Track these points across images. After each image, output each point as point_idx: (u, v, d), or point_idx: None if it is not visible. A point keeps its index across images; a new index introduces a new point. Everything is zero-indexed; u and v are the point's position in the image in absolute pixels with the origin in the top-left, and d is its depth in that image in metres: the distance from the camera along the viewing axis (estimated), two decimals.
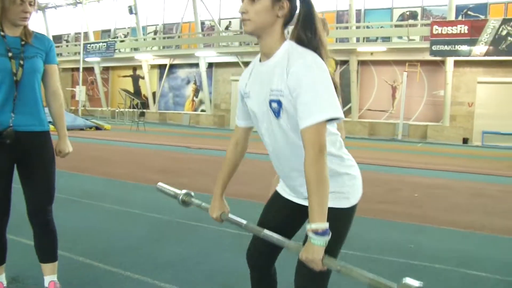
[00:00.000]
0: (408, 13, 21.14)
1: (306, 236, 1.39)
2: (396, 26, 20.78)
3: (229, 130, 22.92)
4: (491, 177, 8.14)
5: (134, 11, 27.76)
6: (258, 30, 1.49)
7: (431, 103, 20.12)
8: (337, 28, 21.70)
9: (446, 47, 17.87)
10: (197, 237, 3.57)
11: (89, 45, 28.68)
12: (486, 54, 17.40)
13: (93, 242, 3.30)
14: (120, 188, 5.64)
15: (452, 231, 4.08)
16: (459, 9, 19.29)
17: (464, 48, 17.64)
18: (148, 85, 28.03)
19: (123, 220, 4.04)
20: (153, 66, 28.06)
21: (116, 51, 27.95)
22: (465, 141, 18.93)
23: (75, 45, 30.53)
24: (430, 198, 5.80)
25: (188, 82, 27.24)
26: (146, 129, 18.11)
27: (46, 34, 2.43)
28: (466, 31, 17.47)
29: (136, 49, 28.33)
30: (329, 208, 1.47)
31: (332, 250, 1.43)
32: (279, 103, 1.47)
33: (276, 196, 1.78)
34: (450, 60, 18.74)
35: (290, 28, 1.56)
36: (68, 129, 2.43)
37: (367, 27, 21.35)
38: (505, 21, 16.91)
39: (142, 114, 20.34)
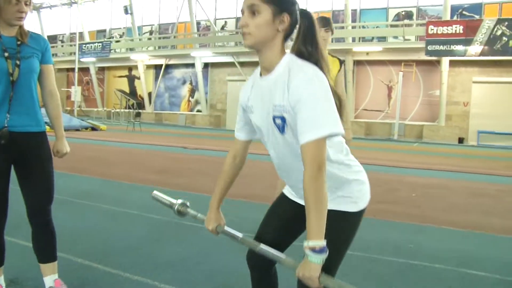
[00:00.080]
0: (403, 13, 21.21)
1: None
2: (391, 26, 20.84)
3: (225, 130, 22.91)
4: (488, 177, 8.17)
5: (129, 11, 27.68)
6: (258, 44, 1.48)
7: (427, 103, 20.19)
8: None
9: (441, 47, 17.94)
10: (196, 237, 3.55)
11: (84, 45, 28.59)
12: (481, 54, 17.49)
13: (92, 243, 3.28)
14: (118, 188, 5.61)
15: (451, 231, 4.08)
16: (454, 9, 19.37)
17: (459, 48, 17.71)
18: (144, 86, 27.96)
19: (121, 221, 4.02)
20: (148, 66, 28.00)
21: (111, 51, 27.88)
22: (460, 140, 19.01)
23: (70, 45, 30.42)
24: (428, 198, 5.81)
25: (184, 82, 27.21)
26: (142, 130, 18.07)
27: (41, 34, 2.42)
28: (461, 31, 17.56)
29: (131, 49, 28.27)
30: (337, 211, 1.51)
31: (338, 253, 1.44)
32: (283, 119, 1.46)
33: (282, 197, 1.78)
34: (445, 60, 18.82)
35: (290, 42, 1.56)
36: (64, 130, 2.41)
37: (363, 27, 21.40)
38: (500, 21, 17.00)
39: (138, 115, 20.31)
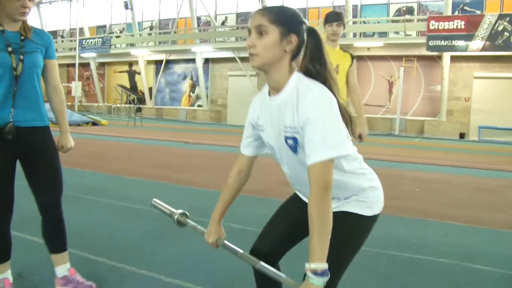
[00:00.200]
0: (404, 8, 21.16)
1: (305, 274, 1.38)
2: (392, 21, 20.80)
3: (226, 125, 22.92)
4: (490, 172, 8.17)
5: (129, 7, 27.61)
6: (266, 65, 1.46)
7: (428, 98, 20.17)
8: None
9: (442, 42, 17.91)
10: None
11: (84, 40, 28.54)
12: (483, 49, 17.45)
13: (97, 238, 3.29)
14: (121, 183, 5.62)
15: (455, 226, 4.09)
16: (456, 5, 19.32)
17: (460, 43, 17.68)
18: (145, 81, 27.94)
19: (125, 216, 4.03)
20: (149, 62, 27.95)
21: (112, 46, 27.81)
22: (461, 136, 19.01)
23: (71, 40, 30.36)
24: (431, 193, 5.82)
25: (185, 77, 27.18)
26: (143, 125, 18.08)
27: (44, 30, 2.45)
28: (463, 27, 17.51)
29: (132, 45, 28.19)
30: (352, 213, 1.52)
31: (347, 254, 1.45)
32: (295, 139, 1.45)
33: (294, 197, 1.78)
34: (446, 55, 18.78)
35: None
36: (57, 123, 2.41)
37: (364, 22, 21.34)
38: (501, 17, 16.95)
39: (139, 110, 20.28)
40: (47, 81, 2.33)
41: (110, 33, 30.03)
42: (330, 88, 1.44)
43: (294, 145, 1.47)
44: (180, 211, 1.89)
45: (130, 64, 29.02)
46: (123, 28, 30.04)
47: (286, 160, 1.57)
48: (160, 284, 2.53)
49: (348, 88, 3.81)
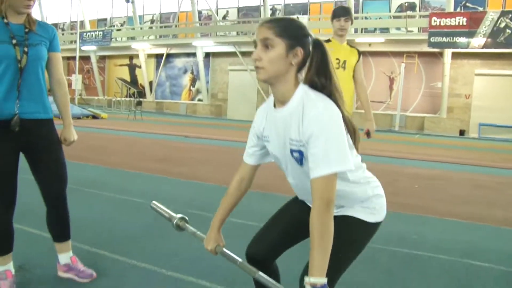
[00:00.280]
0: (406, 4, 21.09)
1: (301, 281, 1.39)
2: (394, 17, 20.72)
3: (226, 120, 22.92)
4: (490, 169, 8.18)
5: (130, 0, 27.51)
6: (272, 78, 1.47)
7: (429, 94, 20.15)
8: None
9: (444, 39, 17.85)
10: (201, 226, 3.56)
11: (85, 33, 28.45)
12: (484, 46, 17.40)
13: (98, 231, 3.30)
14: (121, 177, 5.63)
15: (455, 222, 4.10)
16: (458, 1, 19.26)
17: (462, 40, 17.63)
18: (145, 74, 27.89)
19: (126, 210, 4.04)
20: (150, 55, 27.89)
21: (112, 40, 27.73)
22: (461, 133, 19.00)
23: (71, 33, 30.28)
24: (430, 189, 5.83)
25: (185, 71, 27.12)
26: (143, 118, 18.07)
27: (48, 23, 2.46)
28: (465, 23, 17.45)
29: (132, 38, 28.11)
30: (356, 218, 1.55)
31: (347, 257, 1.47)
32: (301, 152, 1.46)
33: (297, 198, 1.79)
34: (448, 52, 18.73)
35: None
36: (60, 118, 2.43)
37: (365, 18, 21.28)
38: (503, 13, 16.89)
39: (139, 103, 20.25)
40: (51, 74, 2.34)
41: (111, 26, 29.94)
42: (336, 101, 1.45)
43: (300, 157, 1.47)
44: (179, 215, 1.89)
45: (131, 57, 28.96)
46: (124, 22, 29.96)
47: (292, 171, 1.58)
48: (161, 277, 2.54)
49: (355, 84, 3.81)
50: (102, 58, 30.15)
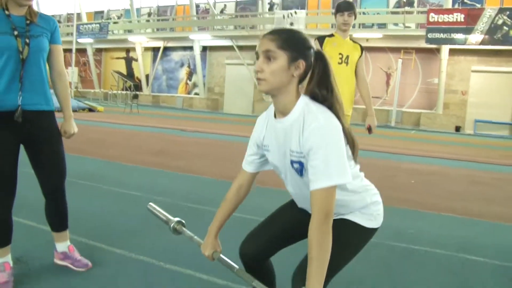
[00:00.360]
0: (404, 0, 21.07)
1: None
2: (392, 13, 20.69)
3: (222, 113, 22.89)
4: (486, 165, 8.22)
5: None
6: (273, 90, 1.47)
7: (425, 90, 20.18)
8: (333, 13, 21.58)
9: (441, 35, 17.87)
10: (198, 219, 3.57)
11: (82, 26, 28.29)
12: (482, 43, 17.42)
13: (96, 224, 3.30)
14: (119, 170, 5.62)
15: (451, 218, 4.12)
16: None
17: (459, 36, 17.64)
18: (142, 68, 27.78)
19: (124, 202, 4.04)
20: (146, 49, 27.78)
21: (109, 32, 27.59)
22: (457, 129, 19.07)
23: (68, 25, 30.10)
24: (427, 185, 5.85)
25: (182, 65, 27.04)
26: (139, 112, 18.03)
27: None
28: (462, 20, 17.46)
29: (129, 31, 27.97)
30: (354, 222, 1.57)
31: (342, 259, 1.48)
32: (301, 163, 1.47)
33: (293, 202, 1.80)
34: (445, 48, 18.75)
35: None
36: (60, 111, 2.43)
37: (363, 13, 21.24)
38: (501, 10, 16.91)
39: (136, 97, 20.18)
40: (52, 66, 2.34)
41: (108, 19, 29.79)
42: (336, 113, 1.46)
43: (300, 168, 1.49)
44: (176, 219, 1.89)
45: (128, 50, 28.83)
46: (121, 14, 29.81)
47: (291, 181, 1.60)
48: (159, 270, 2.55)
49: (357, 80, 3.81)
50: (99, 51, 30.02)
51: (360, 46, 3.79)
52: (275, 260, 1.83)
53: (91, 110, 16.72)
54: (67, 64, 29.06)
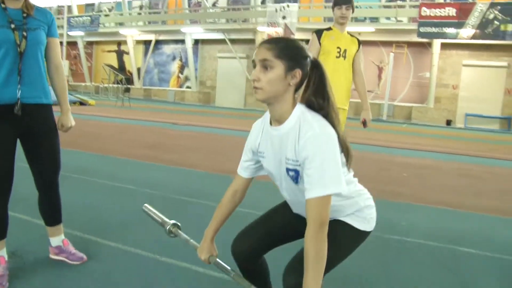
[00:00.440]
0: None
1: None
2: (384, 6, 20.74)
3: (214, 107, 22.85)
4: (477, 159, 8.31)
5: None
6: (270, 99, 1.48)
7: (417, 84, 20.29)
8: (325, 7, 21.55)
9: (433, 29, 17.95)
10: (192, 212, 3.58)
11: (72, 18, 28.02)
12: (473, 37, 17.52)
13: (90, 217, 3.30)
14: (112, 163, 5.61)
15: (443, 210, 4.18)
16: None
17: (451, 30, 17.73)
18: (133, 61, 27.62)
19: (118, 196, 4.03)
20: (138, 42, 27.61)
21: (100, 25, 27.36)
22: (448, 123, 19.22)
23: (58, 18, 29.74)
24: (419, 178, 5.91)
25: (174, 58, 26.92)
26: (131, 105, 17.94)
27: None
28: (454, 14, 17.54)
29: (121, 24, 27.78)
30: (348, 224, 1.60)
31: (334, 258, 1.49)
32: (297, 171, 1.49)
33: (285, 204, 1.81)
34: (437, 42, 18.84)
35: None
36: (53, 104, 2.41)
37: (356, 7, 21.19)
38: (492, 5, 17.00)
39: (127, 90, 20.08)
40: (49, 59, 2.33)
41: (99, 11, 29.53)
42: (332, 122, 1.47)
43: (296, 176, 1.50)
44: (172, 221, 1.90)
45: (119, 43, 28.64)
46: (112, 7, 29.54)
47: (286, 188, 1.61)
48: (155, 263, 2.56)
49: (354, 74, 3.81)
50: (90, 44, 29.78)
51: (358, 40, 3.79)
52: (269, 259, 1.84)
53: (82, 103, 16.61)
54: None
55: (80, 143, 6.87)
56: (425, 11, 18.03)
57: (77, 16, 28.44)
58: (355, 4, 3.76)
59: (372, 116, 4.05)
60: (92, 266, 2.44)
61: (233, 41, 23.43)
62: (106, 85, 25.92)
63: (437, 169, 6.80)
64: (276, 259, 1.89)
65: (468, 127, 18.66)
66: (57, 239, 2.48)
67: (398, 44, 20.03)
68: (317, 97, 1.49)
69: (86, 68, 29.87)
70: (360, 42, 3.80)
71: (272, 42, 1.47)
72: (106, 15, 28.75)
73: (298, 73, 1.47)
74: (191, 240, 1.84)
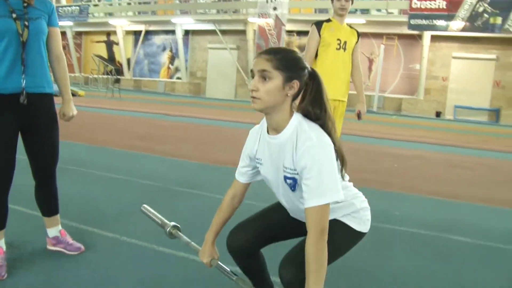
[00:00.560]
0: None
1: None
2: None
3: (205, 98, 22.79)
4: (466, 150, 8.42)
5: None
6: (267, 109, 1.50)
7: (407, 76, 20.41)
8: None
9: (424, 22, 18.06)
10: (187, 203, 3.60)
11: (61, 8, 27.66)
12: (463, 30, 17.67)
13: (86, 208, 3.29)
14: (105, 155, 5.59)
15: (434, 200, 4.24)
16: None
17: (441, 23, 17.85)
18: (123, 52, 27.40)
19: (112, 187, 4.03)
20: (128, 32, 27.37)
21: (89, 15, 27.07)
22: (437, 114, 19.38)
23: None
24: (410, 168, 5.98)
25: (164, 49, 26.76)
26: (121, 96, 17.82)
27: None
28: (444, 7, 17.66)
29: (110, 14, 27.50)
30: (345, 224, 1.63)
31: (331, 258, 1.50)
32: (294, 179, 1.52)
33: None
34: (427, 35, 18.94)
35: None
36: (56, 95, 2.41)
37: None
38: None
39: (117, 81, 19.94)
40: (50, 50, 2.32)
41: (88, 1, 29.15)
42: (328, 131, 1.50)
43: (293, 184, 1.53)
44: (172, 223, 1.91)
45: (108, 34, 28.37)
46: None
47: (284, 195, 1.64)
48: (152, 253, 2.57)
49: (352, 68, 3.81)
50: (79, 34, 29.46)
51: (357, 31, 3.80)
52: (266, 251, 1.86)
53: (72, 94, 16.43)
54: None
55: (72, 134, 6.83)
56: (416, 3, 18.11)
57: (65, 6, 28.09)
58: None
59: None
60: (89, 257, 2.44)
61: (223, 32, 23.33)
62: (95, 76, 25.71)
63: (428, 160, 6.88)
64: (274, 251, 1.91)
65: (457, 118, 18.84)
66: (54, 229, 2.48)
67: (389, 36, 20.10)
68: (314, 107, 1.52)
69: (75, 58, 29.56)
70: (359, 34, 3.82)
71: (271, 53, 1.48)
72: (95, 5, 28.40)
73: (296, 84, 1.49)
74: (192, 243, 1.86)
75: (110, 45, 28.63)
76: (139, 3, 27.18)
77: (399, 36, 20.04)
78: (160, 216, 1.98)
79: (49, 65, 2.35)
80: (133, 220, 3.09)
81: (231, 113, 13.82)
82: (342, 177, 1.55)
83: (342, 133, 3.97)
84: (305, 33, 22.09)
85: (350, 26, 3.77)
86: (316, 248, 1.40)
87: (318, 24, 3.69)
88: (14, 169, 2.21)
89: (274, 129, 1.55)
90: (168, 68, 26.84)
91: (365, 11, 20.77)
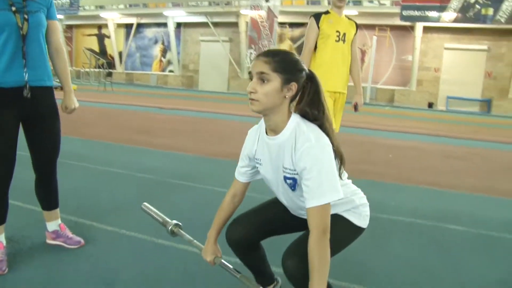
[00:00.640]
0: None
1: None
2: None
3: (197, 91, 22.72)
4: (459, 140, 8.49)
5: None
6: (265, 110, 1.51)
7: (399, 67, 20.47)
8: None
9: (416, 13, 18.09)
10: (185, 195, 3.61)
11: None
12: (455, 20, 17.74)
13: (84, 202, 3.29)
14: (101, 148, 5.57)
15: (428, 190, 4.28)
16: None
17: (433, 14, 17.89)
18: (114, 45, 27.21)
19: (109, 180, 4.03)
20: (119, 25, 27.17)
21: (80, 8, 26.80)
22: (430, 105, 19.47)
23: None
24: (404, 159, 6.02)
25: (156, 42, 26.61)
26: (113, 90, 17.73)
27: None
28: None
29: (101, 7, 27.23)
30: (345, 218, 1.65)
31: (332, 250, 1.51)
32: (294, 180, 1.54)
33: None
34: (419, 26, 18.98)
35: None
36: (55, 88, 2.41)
37: None
38: None
39: (109, 74, 19.82)
40: (49, 43, 2.32)
41: None
42: (326, 132, 1.51)
43: (293, 184, 1.55)
44: (174, 221, 1.92)
45: (100, 27, 28.14)
46: None
47: (284, 194, 1.66)
48: (151, 245, 2.58)
49: (350, 60, 3.82)
50: (69, 28, 29.19)
51: (355, 23, 3.80)
52: (266, 242, 1.88)
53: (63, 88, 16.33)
54: None
55: (67, 128, 6.79)
56: None
57: None
58: None
59: None
60: (89, 250, 2.45)
61: (216, 24, 23.24)
62: (87, 69, 25.52)
63: (422, 150, 6.93)
64: (274, 242, 1.93)
65: (449, 109, 18.95)
66: (53, 223, 2.48)
67: (381, 27, 20.12)
68: (312, 108, 1.53)
69: (66, 52, 29.07)
70: (357, 26, 3.82)
71: (270, 55, 1.49)
72: None
73: (294, 86, 1.50)
74: (195, 241, 1.87)
75: (101, 38, 28.42)
76: None
77: (392, 27, 20.06)
78: (161, 214, 1.98)
79: (49, 58, 2.35)
80: (132, 213, 3.10)
81: (225, 105, 13.81)
82: (340, 175, 1.56)
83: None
84: (298, 25, 22.05)
85: (348, 17, 3.77)
86: (319, 247, 1.41)
87: (317, 16, 3.69)
88: (14, 164, 2.21)
89: (273, 130, 1.57)
90: (160, 61, 26.72)
91: (357, 3, 20.77)
